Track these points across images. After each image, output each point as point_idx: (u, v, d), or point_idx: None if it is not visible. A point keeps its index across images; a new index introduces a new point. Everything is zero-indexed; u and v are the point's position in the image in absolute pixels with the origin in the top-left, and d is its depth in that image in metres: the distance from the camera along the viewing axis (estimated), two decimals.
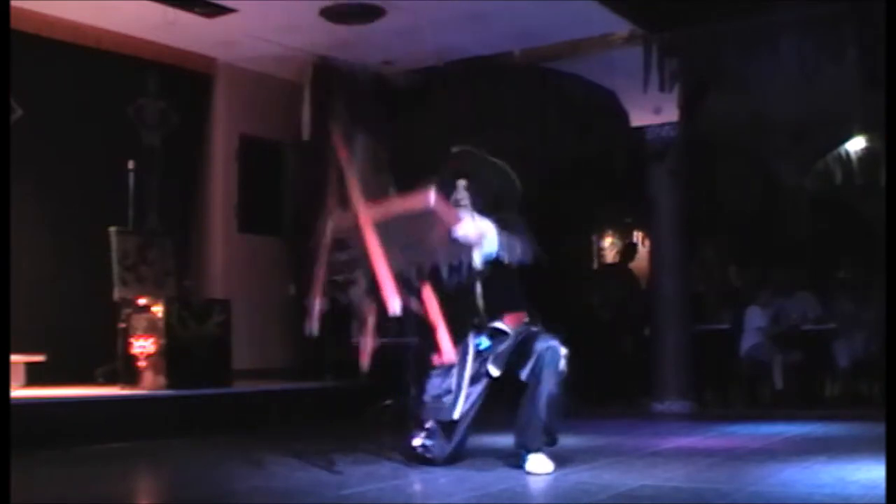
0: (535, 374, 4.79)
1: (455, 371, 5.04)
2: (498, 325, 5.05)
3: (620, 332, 10.00)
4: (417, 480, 4.40)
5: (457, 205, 5.04)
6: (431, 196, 4.76)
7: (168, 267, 7.84)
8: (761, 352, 9.34)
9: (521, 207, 5.25)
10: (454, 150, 5.28)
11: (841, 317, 9.55)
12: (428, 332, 4.97)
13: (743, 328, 9.50)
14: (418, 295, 4.95)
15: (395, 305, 4.65)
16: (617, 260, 11.70)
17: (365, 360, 4.87)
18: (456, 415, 4.97)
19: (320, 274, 4.84)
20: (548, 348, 4.82)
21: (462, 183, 5.11)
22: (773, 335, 9.38)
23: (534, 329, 5.01)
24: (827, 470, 4.60)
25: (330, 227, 4.90)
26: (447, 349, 4.91)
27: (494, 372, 4.96)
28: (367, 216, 4.82)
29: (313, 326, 4.81)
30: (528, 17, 8.10)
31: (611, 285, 10.35)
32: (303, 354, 8.73)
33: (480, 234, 4.96)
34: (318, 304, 4.83)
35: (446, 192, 5.01)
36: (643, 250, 11.17)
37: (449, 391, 5.03)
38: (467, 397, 4.99)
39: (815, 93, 8.94)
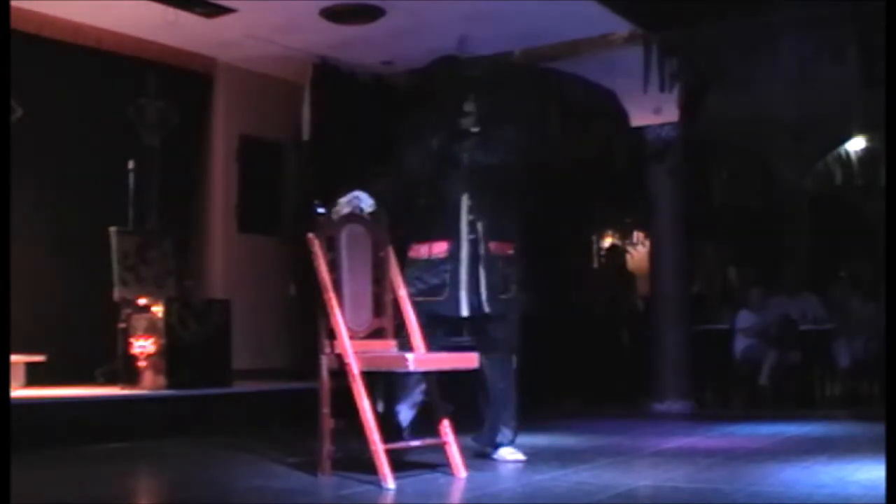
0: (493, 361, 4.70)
1: (448, 265, 4.62)
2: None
3: (617, 333, 9.99)
4: (416, 481, 4.39)
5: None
6: None
7: (168, 267, 7.82)
8: (755, 352, 9.32)
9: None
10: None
11: (841, 317, 9.54)
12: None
13: (734, 331, 9.49)
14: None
15: None
16: (604, 262, 11.70)
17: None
18: (465, 311, 4.62)
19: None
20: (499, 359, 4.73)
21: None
22: (761, 334, 9.35)
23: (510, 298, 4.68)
24: (827, 470, 4.60)
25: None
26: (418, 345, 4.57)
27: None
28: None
29: None
30: (527, 17, 8.09)
31: (603, 287, 10.35)
32: (303, 354, 8.72)
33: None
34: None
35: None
36: (642, 250, 11.17)
37: (443, 285, 4.62)
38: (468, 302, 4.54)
39: (816, 93, 8.94)
